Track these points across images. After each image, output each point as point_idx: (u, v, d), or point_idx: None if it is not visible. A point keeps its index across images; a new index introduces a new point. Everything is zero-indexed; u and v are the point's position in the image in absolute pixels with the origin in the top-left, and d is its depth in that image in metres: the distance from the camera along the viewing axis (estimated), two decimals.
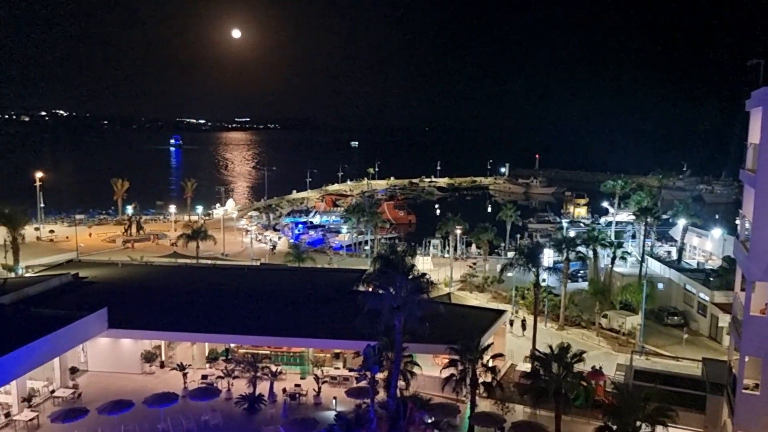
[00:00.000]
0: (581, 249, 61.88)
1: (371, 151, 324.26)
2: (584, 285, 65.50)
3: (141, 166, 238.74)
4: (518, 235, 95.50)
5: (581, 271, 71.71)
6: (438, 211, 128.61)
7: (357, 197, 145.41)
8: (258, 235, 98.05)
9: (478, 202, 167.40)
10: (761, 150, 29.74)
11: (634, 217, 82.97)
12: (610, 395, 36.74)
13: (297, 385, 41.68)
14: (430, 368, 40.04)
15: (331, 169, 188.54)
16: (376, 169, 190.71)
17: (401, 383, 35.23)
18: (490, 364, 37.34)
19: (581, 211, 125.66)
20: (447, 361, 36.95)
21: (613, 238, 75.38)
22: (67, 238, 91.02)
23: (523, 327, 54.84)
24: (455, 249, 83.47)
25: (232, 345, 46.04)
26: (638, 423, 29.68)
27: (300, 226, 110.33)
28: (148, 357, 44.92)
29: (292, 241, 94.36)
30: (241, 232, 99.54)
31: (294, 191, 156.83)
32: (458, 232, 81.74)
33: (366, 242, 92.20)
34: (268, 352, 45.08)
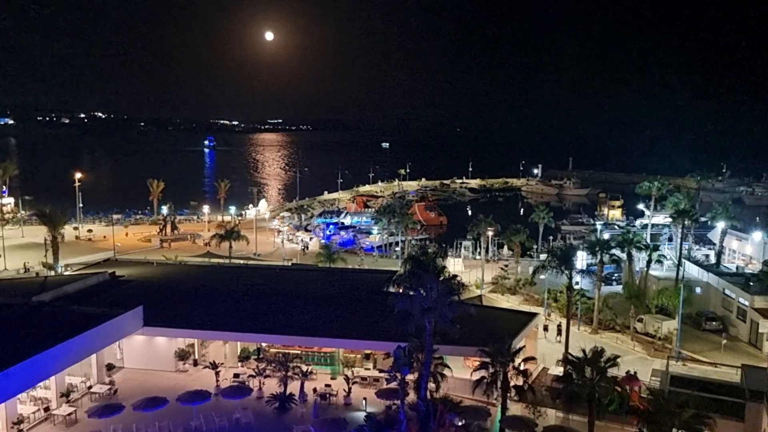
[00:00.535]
0: (616, 252, 60.81)
1: (402, 152, 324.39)
2: (618, 288, 64.43)
3: (176, 167, 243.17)
4: (551, 237, 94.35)
5: (615, 275, 70.49)
6: (469, 213, 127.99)
7: (388, 198, 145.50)
8: (290, 235, 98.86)
9: (510, 204, 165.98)
10: None
11: (670, 220, 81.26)
12: (645, 401, 36.02)
13: (327, 385, 41.85)
14: (461, 370, 39.79)
15: (362, 170, 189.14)
16: (407, 170, 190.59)
17: (431, 385, 35.08)
18: (522, 368, 36.92)
19: (616, 213, 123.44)
20: (478, 363, 36.66)
21: (648, 240, 73.89)
22: (104, 237, 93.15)
23: (559, 332, 53.84)
24: (487, 251, 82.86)
25: (264, 344, 46.46)
26: (674, 430, 29.03)
27: (331, 226, 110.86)
28: (182, 355, 45.62)
29: (323, 241, 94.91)
30: (273, 232, 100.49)
31: (325, 192, 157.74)
32: (490, 233, 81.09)
33: (397, 243, 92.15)
34: (298, 351, 45.37)
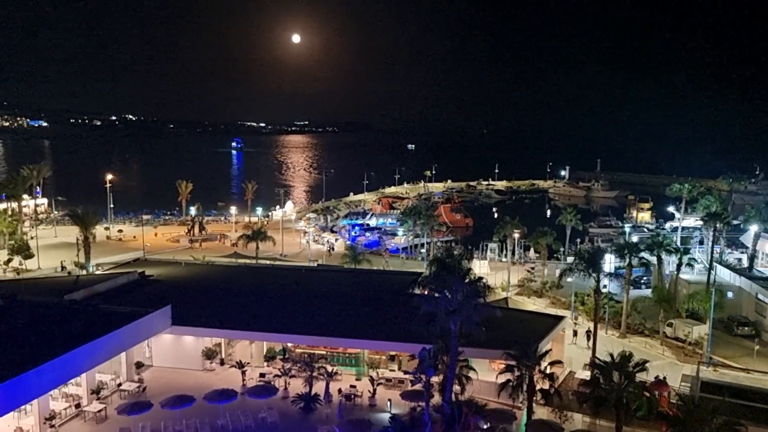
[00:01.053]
0: (645, 255, 59.89)
1: (428, 153, 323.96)
2: (647, 292, 63.38)
3: (204, 169, 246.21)
4: (578, 240, 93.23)
5: (644, 278, 69.39)
6: (496, 215, 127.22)
7: (413, 200, 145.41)
8: (315, 236, 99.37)
9: (537, 206, 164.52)
10: None
11: (701, 223, 79.78)
12: (675, 407, 35.41)
13: (352, 386, 41.95)
14: (486, 373, 39.55)
15: (387, 171, 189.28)
16: (433, 172, 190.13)
17: (456, 387, 34.94)
18: (548, 371, 36.56)
19: (645, 216, 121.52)
20: (503, 366, 36.38)
21: (679, 244, 72.64)
22: (134, 237, 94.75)
23: (588, 338, 52.94)
24: (513, 253, 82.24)
25: (290, 344, 46.76)
26: None
27: (357, 228, 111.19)
28: (209, 354, 46.17)
29: (348, 242, 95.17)
30: (299, 233, 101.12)
31: (351, 193, 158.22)
32: (516, 235, 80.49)
33: (422, 245, 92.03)
34: (324, 352, 45.56)
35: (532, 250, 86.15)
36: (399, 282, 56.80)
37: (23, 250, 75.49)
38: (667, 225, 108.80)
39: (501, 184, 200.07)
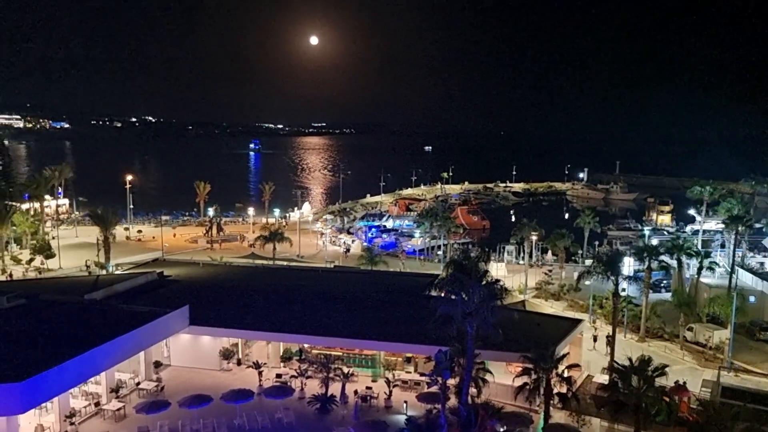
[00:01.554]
0: (665, 258, 59.21)
1: (445, 155, 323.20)
2: (667, 296, 62.72)
3: (222, 170, 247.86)
4: (596, 243, 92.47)
5: (664, 281, 68.61)
6: (513, 217, 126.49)
7: (430, 202, 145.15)
8: (332, 237, 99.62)
9: (555, 208, 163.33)
10: None
11: (723, 226, 78.72)
12: (695, 412, 34.96)
13: (368, 388, 41.96)
14: (503, 376, 39.36)
15: (404, 173, 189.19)
16: (450, 174, 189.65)
17: (473, 390, 34.79)
18: (566, 375, 36.29)
19: (665, 219, 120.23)
20: (520, 369, 36.20)
21: (699, 247, 71.73)
22: (153, 238, 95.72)
23: (608, 343, 51.98)
24: (530, 255, 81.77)
25: (306, 345, 46.90)
26: None
27: (373, 229, 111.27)
28: (226, 354, 46.46)
29: (365, 244, 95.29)
30: (316, 234, 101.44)
31: (368, 195, 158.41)
32: (534, 238, 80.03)
33: (439, 247, 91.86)
34: (340, 353, 45.64)
35: (549, 252, 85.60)
36: (415, 284, 56.61)
37: (45, 250, 76.67)
38: (688, 228, 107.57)
39: (518, 186, 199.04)
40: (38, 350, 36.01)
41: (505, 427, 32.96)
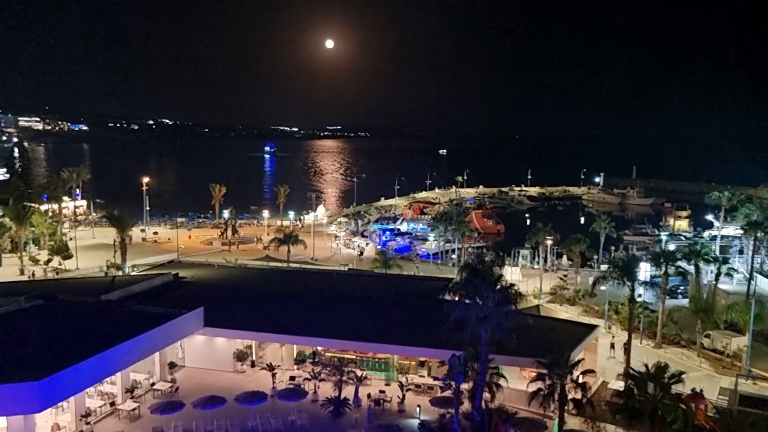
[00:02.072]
0: (682, 264, 58.55)
1: (460, 159, 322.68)
2: (684, 302, 61.96)
3: (238, 172, 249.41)
4: (612, 248, 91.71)
5: (681, 287, 67.85)
6: (528, 221, 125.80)
7: (445, 205, 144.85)
8: (346, 240, 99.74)
9: (571, 213, 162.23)
10: None
11: (742, 232, 77.72)
12: (712, 420, 34.50)
13: (382, 391, 41.90)
14: (517, 381, 39.13)
15: (419, 176, 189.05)
16: (465, 177, 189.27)
17: (486, 395, 34.66)
18: (581, 381, 35.97)
19: (682, 224, 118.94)
20: (534, 374, 35.97)
21: (717, 253, 70.87)
22: (168, 239, 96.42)
23: (625, 351, 51.13)
24: (545, 260, 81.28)
25: (320, 348, 46.96)
26: None
27: (387, 233, 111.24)
28: (240, 356, 46.65)
29: (379, 247, 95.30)
30: (331, 237, 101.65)
31: (382, 198, 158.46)
32: (549, 242, 79.53)
33: (453, 251, 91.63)
34: (353, 356, 45.62)
35: (564, 257, 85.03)
36: (429, 288, 56.62)
37: (62, 251, 77.56)
38: (706, 233, 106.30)
39: (534, 191, 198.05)
40: (55, 350, 36.39)
41: None
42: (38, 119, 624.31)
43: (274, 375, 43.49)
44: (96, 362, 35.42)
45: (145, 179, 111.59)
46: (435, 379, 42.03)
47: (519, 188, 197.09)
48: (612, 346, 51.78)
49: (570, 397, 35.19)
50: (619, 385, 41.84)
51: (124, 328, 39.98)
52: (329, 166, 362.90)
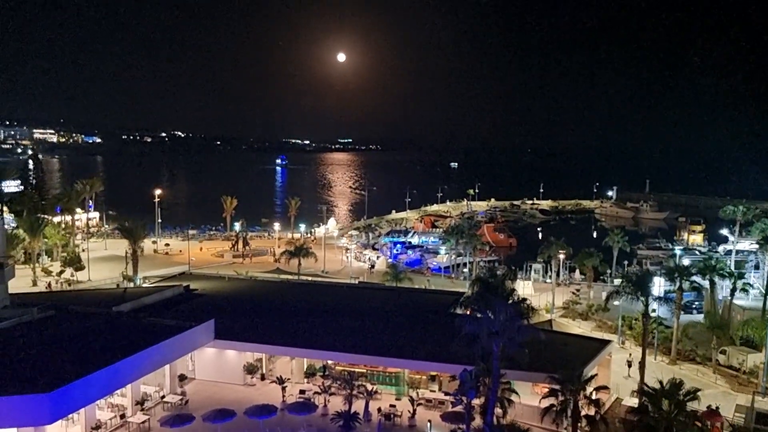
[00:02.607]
0: (696, 279, 57.90)
1: (471, 172, 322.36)
2: (699, 317, 61.23)
3: (249, 185, 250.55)
4: (626, 262, 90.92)
5: (696, 303, 67.04)
6: (540, 235, 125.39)
7: (456, 218, 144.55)
8: (357, 253, 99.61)
9: (583, 227, 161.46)
10: None
11: (757, 246, 76.83)
12: None
13: (392, 406, 41.56)
14: (529, 397, 38.68)
15: (430, 189, 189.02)
16: (477, 191, 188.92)
17: (498, 410, 34.23)
18: (594, 397, 35.51)
19: (697, 239, 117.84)
20: (547, 390, 35.53)
21: (733, 268, 70.03)
22: (180, 251, 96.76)
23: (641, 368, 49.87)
24: (558, 274, 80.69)
25: (330, 361, 46.72)
26: None
27: (398, 246, 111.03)
28: (250, 369, 46.50)
29: (390, 260, 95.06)
30: (341, 250, 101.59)
31: (393, 211, 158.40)
32: (561, 256, 78.97)
33: (464, 264, 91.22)
34: (364, 370, 45.34)
35: (577, 271, 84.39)
36: (441, 301, 56.30)
37: (75, 262, 78.00)
38: (721, 248, 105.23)
39: (546, 204, 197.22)
40: (66, 361, 36.42)
41: None
42: (53, 132, 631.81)
43: (284, 388, 43.30)
44: (107, 374, 35.38)
45: (157, 191, 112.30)
46: (446, 394, 41.66)
47: (531, 202, 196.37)
48: (629, 364, 50.71)
49: (583, 413, 34.73)
50: (633, 401, 41.23)
51: (135, 340, 39.97)
52: (340, 179, 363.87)
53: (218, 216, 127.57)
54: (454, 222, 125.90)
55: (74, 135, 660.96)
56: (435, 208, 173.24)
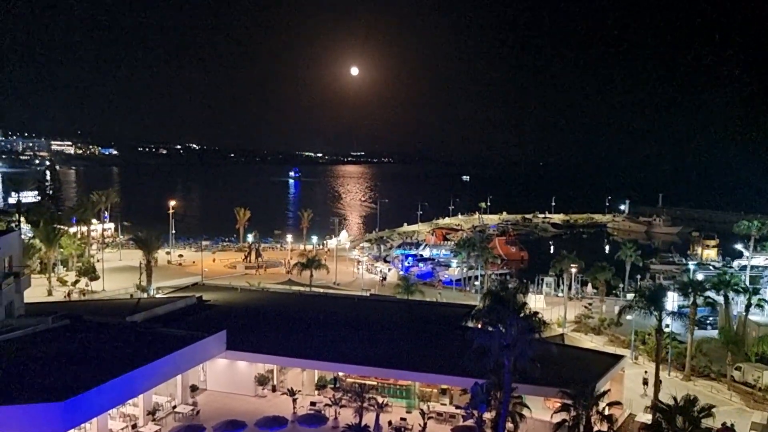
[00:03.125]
0: (711, 294, 57.36)
1: (483, 185, 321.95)
2: (714, 333, 60.60)
3: (262, 197, 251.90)
4: (638, 276, 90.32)
5: (710, 318, 66.38)
6: (552, 248, 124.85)
7: (468, 231, 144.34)
8: (369, 266, 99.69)
9: (595, 240, 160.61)
10: None
11: None
12: None
13: (402, 419, 41.46)
14: (541, 411, 38.46)
15: (442, 202, 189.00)
16: (488, 204, 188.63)
17: (509, 425, 34.07)
18: (606, 412, 35.24)
19: (711, 253, 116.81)
20: (559, 405, 35.31)
21: (747, 283, 69.32)
22: (193, 262, 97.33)
23: (656, 386, 49.17)
24: (570, 288, 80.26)
25: (341, 373, 46.72)
26: None
27: (410, 258, 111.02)
28: (261, 380, 46.59)
29: (401, 273, 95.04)
30: (353, 262, 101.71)
31: (405, 224, 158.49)
32: (573, 270, 78.61)
33: (476, 277, 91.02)
34: (375, 383, 45.27)
35: (589, 285, 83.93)
36: (452, 314, 56.19)
37: (90, 272, 78.73)
38: (735, 263, 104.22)
39: (558, 218, 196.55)
40: (80, 370, 36.71)
41: None
42: (70, 143, 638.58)
43: (294, 400, 43.32)
44: (119, 384, 35.57)
45: (172, 203, 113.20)
46: (457, 407, 41.50)
47: (543, 215, 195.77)
48: (645, 382, 49.73)
49: (595, 429, 34.45)
50: (647, 418, 40.85)
51: (148, 350, 40.21)
52: (352, 192, 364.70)
53: (231, 227, 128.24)
54: (466, 235, 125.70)
55: (91, 147, 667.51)
56: (447, 221, 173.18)
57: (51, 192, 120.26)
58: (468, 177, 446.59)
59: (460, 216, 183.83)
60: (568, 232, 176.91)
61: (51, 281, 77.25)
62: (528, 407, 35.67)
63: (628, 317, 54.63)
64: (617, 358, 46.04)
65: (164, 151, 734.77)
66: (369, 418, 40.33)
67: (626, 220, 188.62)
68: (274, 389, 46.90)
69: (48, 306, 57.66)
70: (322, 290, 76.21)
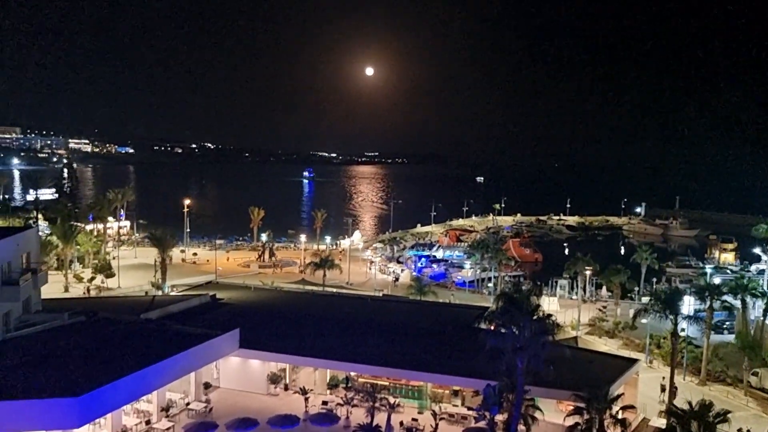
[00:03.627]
0: (728, 298, 56.70)
1: (497, 186, 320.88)
2: (730, 338, 59.89)
3: (276, 196, 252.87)
4: (654, 280, 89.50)
5: (727, 323, 65.61)
6: (566, 251, 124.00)
7: (482, 233, 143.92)
8: (382, 266, 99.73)
9: (611, 243, 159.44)
10: None
11: None
12: None
13: (414, 420, 41.39)
14: (553, 414, 38.24)
15: (456, 204, 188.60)
16: (502, 205, 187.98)
17: (521, 427, 33.90)
18: (620, 416, 34.96)
19: (728, 257, 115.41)
20: (572, 408, 35.08)
21: (765, 287, 68.39)
22: (207, 261, 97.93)
23: (674, 394, 47.10)
24: (584, 291, 79.72)
25: (353, 373, 46.76)
26: None
27: (423, 259, 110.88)
28: (274, 379, 46.77)
29: (414, 274, 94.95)
30: (366, 262, 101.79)
31: (418, 225, 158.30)
32: (588, 273, 78.06)
33: (489, 279, 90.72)
34: (386, 383, 45.26)
35: (604, 288, 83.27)
36: (465, 316, 56.00)
37: (105, 269, 79.52)
38: (753, 267, 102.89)
39: (572, 220, 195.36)
40: (95, 366, 37.08)
41: None
42: (87, 142, 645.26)
43: (306, 399, 43.43)
44: (134, 380, 35.86)
45: (187, 201, 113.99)
46: (469, 408, 41.40)
47: (557, 217, 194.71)
48: (663, 388, 48.65)
49: None
50: (661, 422, 40.46)
51: (162, 347, 40.52)
52: (366, 192, 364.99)
53: (245, 226, 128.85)
54: (480, 236, 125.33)
55: (108, 145, 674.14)
56: (460, 222, 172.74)
57: (68, 190, 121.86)
58: (482, 178, 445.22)
59: (474, 217, 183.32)
60: (583, 234, 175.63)
61: (67, 278, 78.11)
62: (540, 410, 35.49)
63: (643, 321, 54.14)
64: (631, 362, 45.64)
65: (180, 150, 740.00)
66: (380, 419, 40.31)
67: (642, 222, 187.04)
68: (286, 388, 47.06)
69: (64, 302, 58.34)
70: (335, 290, 76.35)
